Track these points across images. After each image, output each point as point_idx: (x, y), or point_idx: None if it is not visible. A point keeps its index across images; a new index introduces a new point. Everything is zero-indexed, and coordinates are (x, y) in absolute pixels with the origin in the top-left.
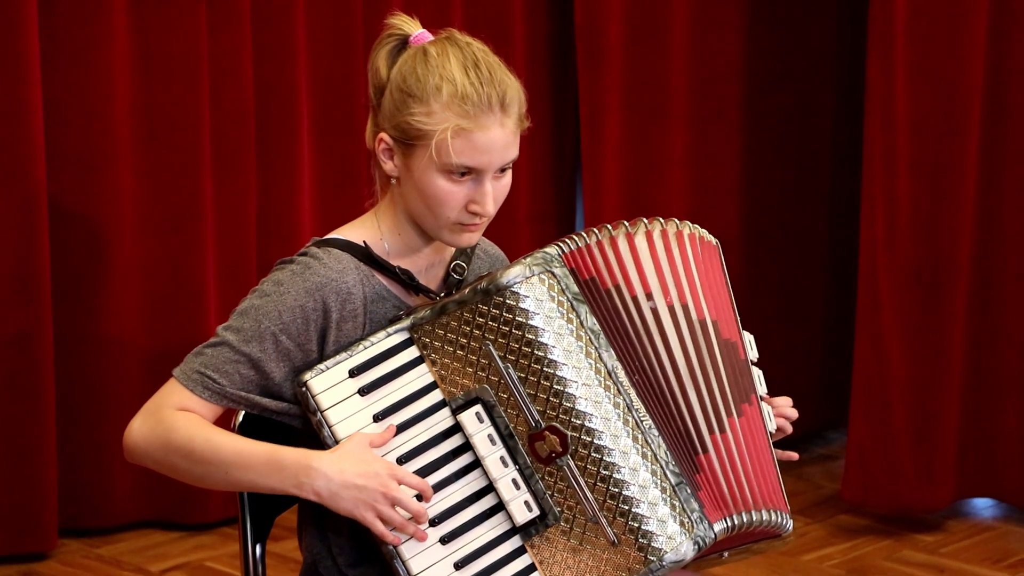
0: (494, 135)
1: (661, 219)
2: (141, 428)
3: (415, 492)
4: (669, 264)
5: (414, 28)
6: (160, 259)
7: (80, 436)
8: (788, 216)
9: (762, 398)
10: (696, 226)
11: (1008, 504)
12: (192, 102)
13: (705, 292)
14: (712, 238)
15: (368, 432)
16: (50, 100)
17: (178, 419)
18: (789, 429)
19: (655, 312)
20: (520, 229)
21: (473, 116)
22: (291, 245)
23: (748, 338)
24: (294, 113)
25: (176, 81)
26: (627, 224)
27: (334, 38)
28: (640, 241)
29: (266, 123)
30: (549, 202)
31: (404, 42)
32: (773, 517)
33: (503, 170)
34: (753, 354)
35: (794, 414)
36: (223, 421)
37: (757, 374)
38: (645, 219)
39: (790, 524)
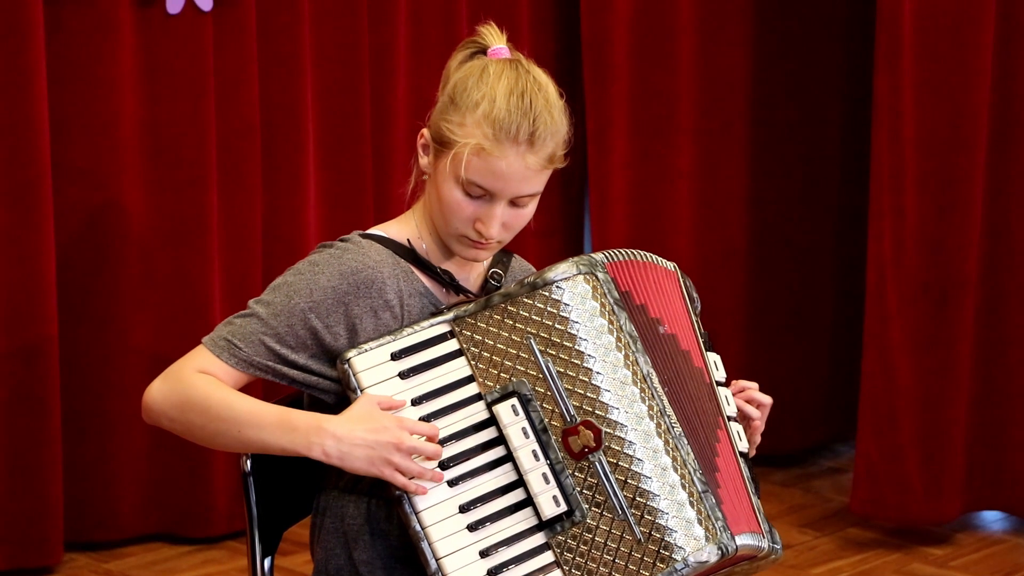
0: (511, 165)
1: (627, 251)
2: (161, 387)
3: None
4: (655, 296)
5: (495, 42)
6: (166, 273)
7: (86, 450)
8: (795, 230)
9: (731, 418)
10: (650, 255)
11: (1017, 517)
12: (198, 117)
13: (675, 322)
14: (669, 264)
15: (376, 393)
16: (57, 115)
17: (197, 379)
18: (757, 437)
19: (664, 337)
20: (528, 243)
21: (496, 140)
22: (297, 258)
23: (714, 359)
24: (300, 127)
25: (182, 96)
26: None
27: (340, 52)
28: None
29: (272, 137)
30: (557, 217)
31: (481, 52)
32: (761, 543)
33: (523, 200)
34: (720, 375)
35: (757, 414)
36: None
37: (724, 394)
38: (628, 251)
39: (766, 545)
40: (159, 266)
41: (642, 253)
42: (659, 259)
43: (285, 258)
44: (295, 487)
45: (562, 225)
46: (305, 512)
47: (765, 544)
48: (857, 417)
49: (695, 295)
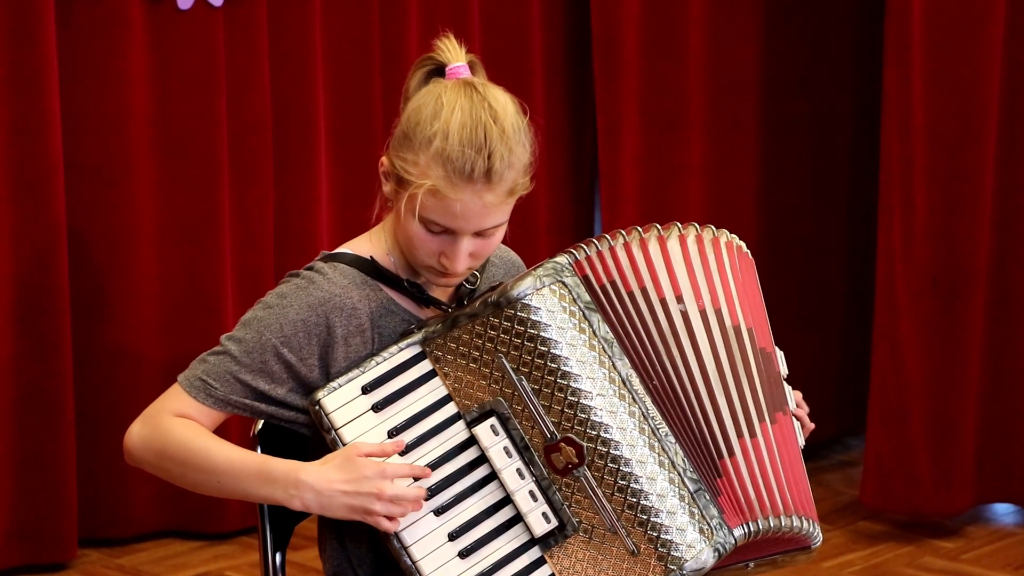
0: (467, 205)
1: (696, 225)
2: (140, 432)
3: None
4: (703, 269)
5: (453, 59)
6: (178, 270)
7: (99, 446)
8: (805, 224)
9: (794, 414)
10: (734, 236)
11: None
12: (209, 113)
13: (741, 300)
14: (748, 251)
15: (364, 441)
16: (68, 112)
17: (175, 425)
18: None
19: (685, 315)
20: (539, 240)
21: (450, 181)
22: (308, 256)
23: (779, 354)
24: (311, 124)
25: (193, 92)
26: (659, 227)
27: (351, 48)
28: (673, 245)
29: (283, 134)
30: (567, 213)
31: (439, 70)
32: (803, 524)
33: (488, 232)
34: (783, 370)
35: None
36: (242, 430)
37: (788, 390)
38: (679, 223)
39: (819, 535)
40: (171, 263)
41: (653, 227)
42: (741, 243)
43: (297, 254)
44: None
45: (573, 221)
46: None
47: (812, 528)
48: (867, 410)
49: None
